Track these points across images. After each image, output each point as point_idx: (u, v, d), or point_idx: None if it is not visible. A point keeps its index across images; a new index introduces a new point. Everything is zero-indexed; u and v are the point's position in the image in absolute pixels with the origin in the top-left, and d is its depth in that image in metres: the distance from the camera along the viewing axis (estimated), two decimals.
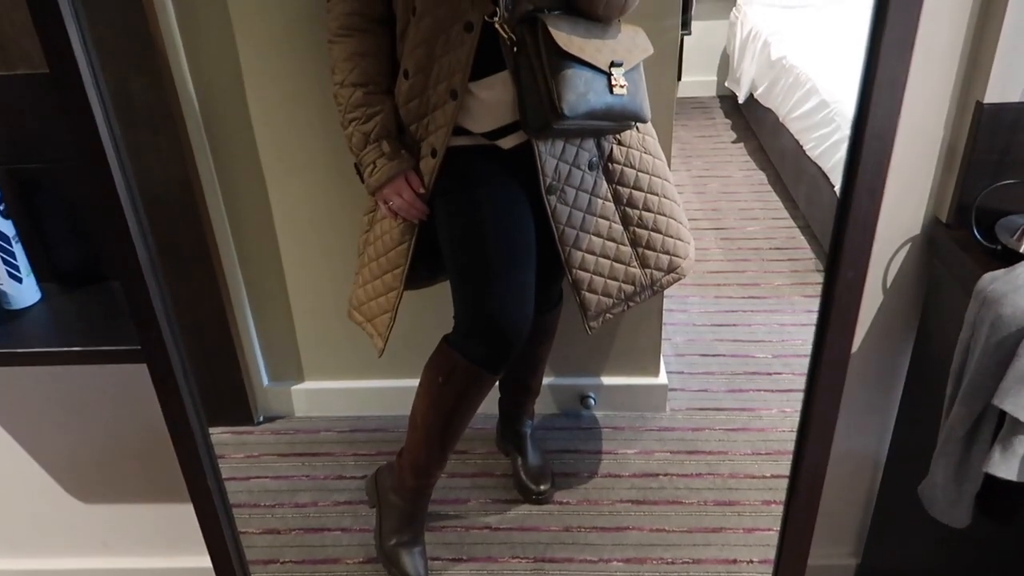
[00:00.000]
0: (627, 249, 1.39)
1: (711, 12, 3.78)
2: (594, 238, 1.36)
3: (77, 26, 0.98)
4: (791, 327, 2.22)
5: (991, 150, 1.12)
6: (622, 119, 1.25)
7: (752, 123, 3.48)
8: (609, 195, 1.36)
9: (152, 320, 0.97)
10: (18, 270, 1.14)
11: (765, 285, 2.44)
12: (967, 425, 1.00)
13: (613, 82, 1.18)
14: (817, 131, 2.61)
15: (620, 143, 1.35)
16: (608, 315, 1.41)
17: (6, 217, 1.12)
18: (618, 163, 1.36)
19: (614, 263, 1.39)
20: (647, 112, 1.27)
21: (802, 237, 2.71)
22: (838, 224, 0.84)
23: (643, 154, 1.38)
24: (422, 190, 1.29)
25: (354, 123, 1.27)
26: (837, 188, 2.47)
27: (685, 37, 2.92)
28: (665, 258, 1.43)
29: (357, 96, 1.26)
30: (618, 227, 1.38)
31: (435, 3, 1.18)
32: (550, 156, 1.27)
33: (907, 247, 1.23)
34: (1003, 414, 0.95)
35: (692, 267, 1.47)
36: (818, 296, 1.00)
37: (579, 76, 1.15)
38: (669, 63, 1.55)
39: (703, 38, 3.85)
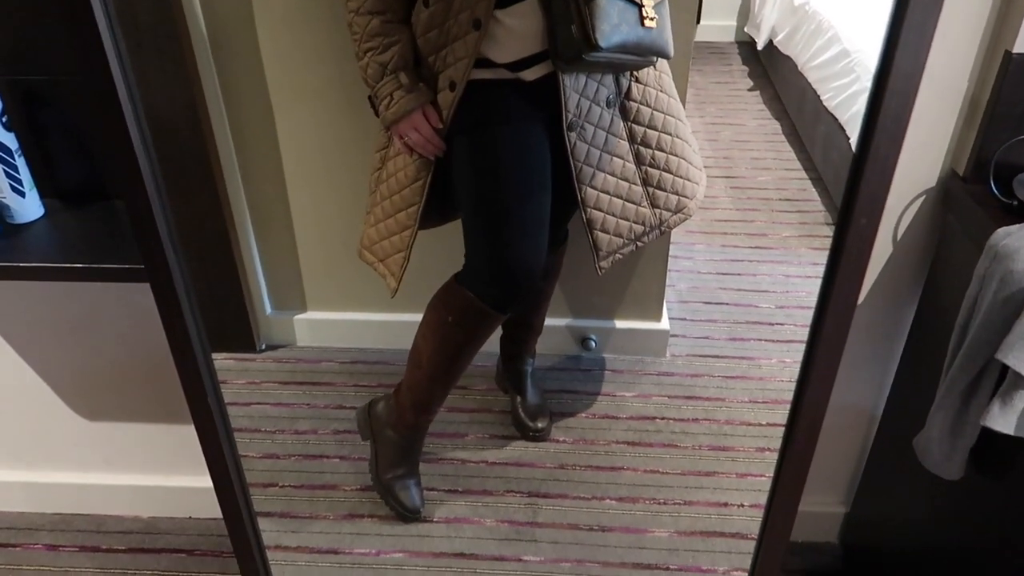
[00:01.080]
0: (639, 189, 1.38)
1: None
2: (608, 177, 1.35)
3: None
4: (796, 279, 2.21)
5: (1016, 102, 1.10)
6: (649, 54, 1.21)
7: (770, 71, 3.40)
8: (624, 133, 1.34)
9: (155, 238, 0.96)
10: (21, 184, 1.12)
11: (773, 236, 2.42)
12: (968, 379, 1.00)
13: (644, 14, 1.15)
14: (836, 81, 2.55)
15: (638, 81, 1.32)
16: (618, 255, 1.41)
17: (8, 129, 1.10)
18: (635, 101, 1.33)
19: (626, 203, 1.38)
20: (671, 49, 1.23)
21: (813, 189, 2.68)
22: (855, 169, 0.82)
23: (659, 92, 1.36)
24: (440, 125, 1.26)
25: (370, 53, 1.24)
26: (852, 141, 2.44)
27: None
28: (674, 198, 1.42)
29: (374, 25, 1.22)
30: (631, 166, 1.37)
31: None
32: (574, 91, 1.24)
33: (921, 200, 1.21)
34: (1004, 369, 0.95)
35: (698, 207, 1.47)
36: (825, 249, 0.98)
37: (613, 5, 1.11)
38: (689, 3, 1.51)
39: None
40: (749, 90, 3.40)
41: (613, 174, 1.36)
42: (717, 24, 3.87)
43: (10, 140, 1.10)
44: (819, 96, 2.68)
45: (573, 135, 1.27)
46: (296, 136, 1.70)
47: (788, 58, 3.06)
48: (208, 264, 1.81)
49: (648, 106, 1.35)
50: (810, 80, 2.79)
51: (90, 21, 0.93)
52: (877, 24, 2.84)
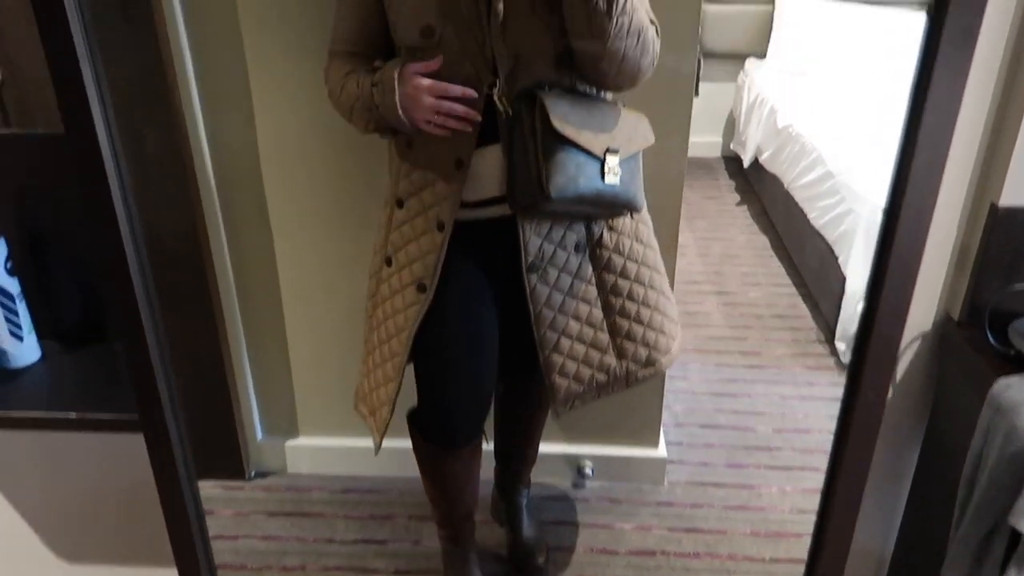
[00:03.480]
0: (605, 337, 1.31)
1: (719, 74, 3.84)
2: (572, 322, 1.28)
3: (97, 89, 0.98)
4: (792, 400, 2.20)
5: (1004, 252, 1.12)
6: (613, 207, 1.20)
7: (756, 186, 3.52)
8: (593, 279, 1.29)
9: (153, 393, 0.95)
10: (20, 328, 1.12)
11: (766, 354, 2.42)
12: (978, 537, 0.98)
13: (606, 169, 1.14)
14: (822, 201, 2.62)
15: (611, 228, 1.28)
16: (577, 402, 1.34)
17: (11, 274, 1.10)
18: (607, 248, 1.28)
19: (590, 349, 1.31)
20: (640, 201, 1.22)
21: (804, 306, 2.71)
22: (862, 336, 0.83)
23: (634, 242, 1.30)
24: (436, 66, 1.11)
25: (353, 90, 1.17)
26: (841, 260, 2.47)
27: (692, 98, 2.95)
28: (644, 351, 1.34)
29: (349, 79, 1.18)
30: (598, 313, 1.30)
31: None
32: (535, 235, 1.21)
33: (917, 343, 1.22)
34: (1017, 531, 0.93)
35: (672, 362, 1.40)
36: (819, 369, 0.99)
37: (571, 159, 1.11)
38: (680, 124, 1.53)
39: (710, 99, 3.89)
40: (737, 204, 3.49)
41: (577, 319, 1.28)
42: (704, 140, 4.00)
43: (12, 285, 1.10)
44: (806, 215, 2.75)
45: (534, 277, 1.23)
46: (295, 262, 1.71)
47: (774, 176, 3.14)
48: (200, 387, 1.79)
49: (621, 255, 1.29)
50: (797, 199, 2.86)
51: (101, 176, 0.96)
52: (859, 148, 2.93)
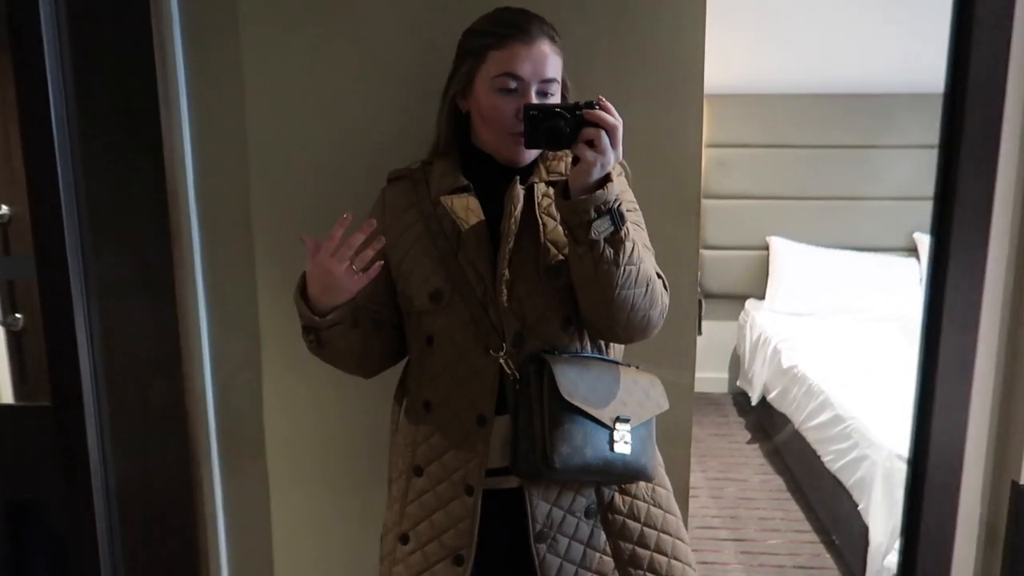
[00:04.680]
0: None
1: (720, 313, 3.93)
2: None
3: (91, 361, 0.99)
4: None
5: None
6: (623, 476, 1.14)
7: (767, 424, 3.47)
8: (608, 549, 1.19)
9: None
10: None
11: None
12: None
13: (616, 438, 1.11)
14: (835, 444, 2.55)
15: (624, 492, 1.20)
16: None
17: None
18: (620, 514, 1.19)
19: None
20: (652, 470, 1.15)
21: (827, 555, 2.55)
22: None
23: (651, 507, 1.21)
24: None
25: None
26: (861, 508, 2.35)
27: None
28: None
29: None
30: None
31: (452, 330, 1.13)
32: (542, 500, 1.15)
33: None
34: None
35: None
36: None
37: (578, 429, 1.08)
38: (687, 361, 1.52)
39: (713, 337, 3.95)
40: (748, 443, 3.42)
41: None
42: (710, 376, 4.01)
43: None
44: (820, 457, 2.67)
45: (543, 547, 1.15)
46: (291, 524, 1.65)
47: (783, 415, 3.11)
48: None
49: (637, 520, 1.20)
50: (809, 440, 2.80)
51: (82, 448, 0.94)
52: (866, 391, 2.88)
